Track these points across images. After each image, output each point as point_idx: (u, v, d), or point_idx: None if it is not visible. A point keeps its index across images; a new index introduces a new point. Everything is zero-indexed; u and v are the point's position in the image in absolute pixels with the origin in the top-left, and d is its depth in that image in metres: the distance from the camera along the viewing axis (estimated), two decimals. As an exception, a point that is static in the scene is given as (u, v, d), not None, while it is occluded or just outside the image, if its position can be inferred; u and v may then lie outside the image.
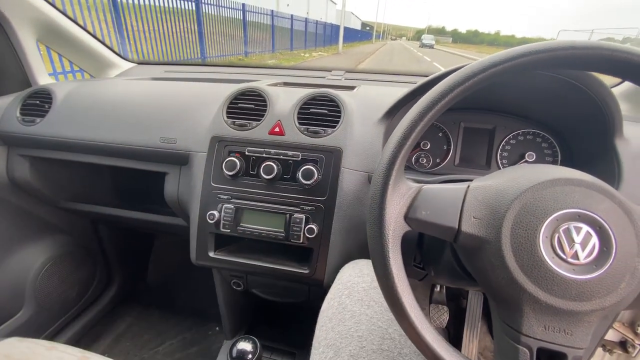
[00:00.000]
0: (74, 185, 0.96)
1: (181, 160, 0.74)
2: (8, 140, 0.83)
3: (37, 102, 0.83)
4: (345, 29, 19.80)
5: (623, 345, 0.93)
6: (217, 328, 1.19)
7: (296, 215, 0.64)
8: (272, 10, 13.77)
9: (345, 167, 0.64)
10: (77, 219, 1.07)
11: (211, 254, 0.69)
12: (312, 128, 0.66)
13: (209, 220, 0.66)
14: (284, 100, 0.71)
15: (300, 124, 0.67)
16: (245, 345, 0.58)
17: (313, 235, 0.63)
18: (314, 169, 0.63)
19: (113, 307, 1.23)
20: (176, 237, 1.33)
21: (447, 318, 1.10)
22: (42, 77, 0.93)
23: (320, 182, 0.64)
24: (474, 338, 1.07)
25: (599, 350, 0.96)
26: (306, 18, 19.48)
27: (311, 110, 0.68)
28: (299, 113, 0.68)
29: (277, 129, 0.67)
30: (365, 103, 0.71)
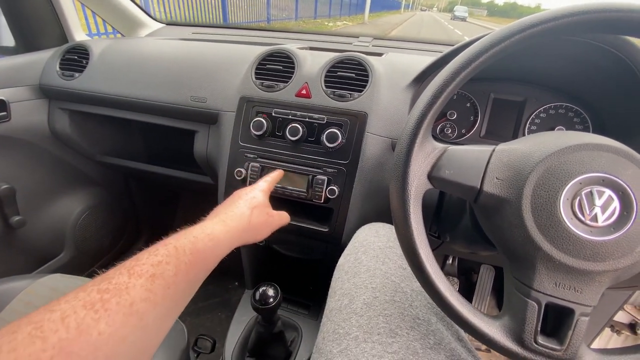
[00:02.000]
0: (109, 140, 1.02)
1: (211, 119, 0.76)
2: (49, 93, 0.88)
3: (76, 57, 0.86)
4: (373, -3, 18.79)
5: (632, 327, 0.94)
6: (237, 283, 1.28)
7: (319, 176, 0.66)
8: (297, -25, 13.16)
9: (370, 132, 0.64)
10: (111, 173, 1.14)
11: None
12: (338, 91, 0.67)
13: (236, 177, 0.70)
14: (312, 63, 0.72)
15: (327, 87, 0.68)
16: (267, 290, 0.63)
17: (334, 196, 0.65)
18: (339, 133, 0.64)
19: None
20: (200, 195, 1.39)
21: (457, 290, 1.13)
22: (79, 34, 0.97)
23: (344, 146, 0.65)
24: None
25: (607, 330, 0.97)
26: (332, -16, 18.51)
27: (339, 73, 0.68)
28: (326, 76, 0.69)
29: (303, 92, 0.68)
30: (393, 69, 0.70)
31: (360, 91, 0.66)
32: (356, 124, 0.65)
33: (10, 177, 0.87)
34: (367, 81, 0.67)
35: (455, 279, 1.14)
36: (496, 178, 0.34)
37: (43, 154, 0.94)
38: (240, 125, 0.71)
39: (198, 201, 1.49)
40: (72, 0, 0.95)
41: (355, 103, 0.65)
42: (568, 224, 0.30)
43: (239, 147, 0.71)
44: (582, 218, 0.30)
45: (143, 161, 1.01)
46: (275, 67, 0.72)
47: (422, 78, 0.65)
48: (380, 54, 0.89)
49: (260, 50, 0.75)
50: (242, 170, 0.69)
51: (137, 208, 1.28)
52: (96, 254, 1.16)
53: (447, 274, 1.10)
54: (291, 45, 0.86)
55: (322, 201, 0.66)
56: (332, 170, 0.66)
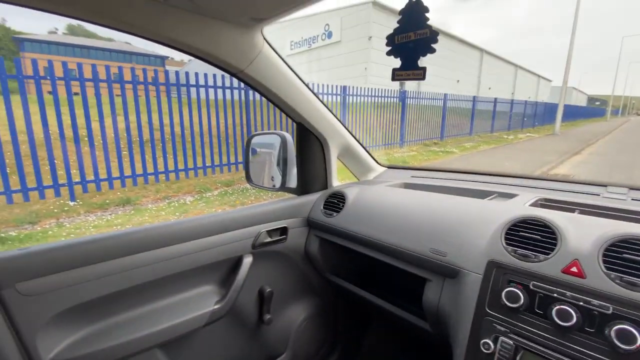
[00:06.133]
0: (341, 264, 1.22)
1: (448, 273, 0.79)
2: (311, 224, 1.18)
3: (335, 201, 1.15)
4: (565, 106, 16.95)
5: None
6: None
7: (607, 386, 0.53)
8: (474, 97, 13.86)
9: (696, 346, 0.49)
10: (329, 288, 1.33)
11: None
12: (627, 277, 0.57)
13: (483, 349, 0.65)
14: (579, 236, 0.66)
15: (608, 269, 0.59)
16: None
17: None
18: (636, 333, 0.52)
19: None
20: (395, 327, 1.38)
21: None
22: (335, 182, 1.30)
23: None
24: None
25: None
26: (512, 100, 18.29)
27: (625, 255, 0.59)
28: (605, 256, 0.60)
29: (574, 269, 0.61)
30: None
31: None
32: None
33: (273, 282, 1.15)
34: None
35: None
36: None
37: (294, 267, 1.21)
38: (489, 291, 0.69)
39: (395, 333, 1.48)
40: (335, 158, 1.31)
41: None
42: None
43: (486, 314, 0.68)
44: None
45: (362, 286, 1.13)
46: (531, 236, 0.70)
47: None
48: None
49: (509, 215, 0.77)
50: (489, 342, 0.65)
51: (338, 323, 1.40)
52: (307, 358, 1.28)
53: None
54: (522, 202, 0.83)
55: None
56: None
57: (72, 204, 4.34)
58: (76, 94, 4.53)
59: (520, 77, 34.50)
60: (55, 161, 4.35)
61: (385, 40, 0.65)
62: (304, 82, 1.11)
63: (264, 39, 0.93)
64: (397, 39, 0.63)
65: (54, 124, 4.28)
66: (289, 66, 1.05)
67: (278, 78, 1.01)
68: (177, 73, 5.24)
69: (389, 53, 0.65)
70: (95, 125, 4.64)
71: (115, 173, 4.78)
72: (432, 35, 0.59)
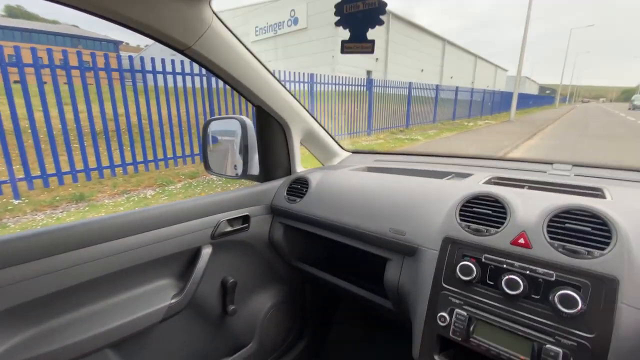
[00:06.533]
0: (306, 250, 1.20)
1: (407, 251, 0.80)
2: (275, 211, 1.15)
3: (299, 186, 1.12)
4: (519, 94, 18.09)
5: None
6: None
7: (549, 346, 0.56)
8: (437, 85, 14.32)
9: (626, 304, 0.53)
10: (295, 275, 1.31)
11: (436, 357, 0.69)
12: (569, 246, 0.60)
13: (439, 322, 0.67)
14: (526, 209, 0.69)
15: (551, 238, 0.62)
16: None
17: None
18: (577, 297, 0.55)
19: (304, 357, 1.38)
20: (365, 310, 1.41)
21: None
22: (299, 167, 1.27)
23: (585, 314, 0.55)
24: None
25: None
26: (472, 88, 19.13)
27: (567, 225, 0.62)
28: (549, 226, 0.64)
29: (521, 241, 0.64)
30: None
31: (602, 249, 0.57)
32: (602, 290, 0.54)
33: (236, 273, 1.12)
34: (607, 237, 0.58)
35: None
36: None
37: (258, 255, 1.18)
38: (444, 266, 0.71)
39: (361, 315, 1.50)
40: (298, 143, 1.28)
41: (598, 263, 0.56)
42: None
43: (442, 289, 0.70)
44: None
45: (329, 271, 1.12)
46: (483, 211, 0.72)
47: None
48: (596, 190, 0.79)
49: (463, 192, 0.78)
50: (445, 315, 0.67)
51: (305, 309, 1.39)
52: (273, 348, 1.27)
53: None
54: (477, 179, 0.86)
55: None
56: (570, 342, 0.55)
57: (16, 202, 3.95)
58: (16, 81, 4.07)
59: (480, 67, 36.16)
60: (-7, 156, 3.93)
61: (335, 10, 0.62)
62: (261, 63, 1.06)
63: (214, 13, 0.86)
64: (346, 9, 0.60)
65: (-11, 115, 3.84)
66: (244, 45, 1.00)
67: (232, 57, 0.95)
68: (130, 58, 4.88)
69: (337, 23, 0.63)
70: (39, 116, 4.22)
71: (66, 168, 4.40)
72: (381, 6, 0.57)
